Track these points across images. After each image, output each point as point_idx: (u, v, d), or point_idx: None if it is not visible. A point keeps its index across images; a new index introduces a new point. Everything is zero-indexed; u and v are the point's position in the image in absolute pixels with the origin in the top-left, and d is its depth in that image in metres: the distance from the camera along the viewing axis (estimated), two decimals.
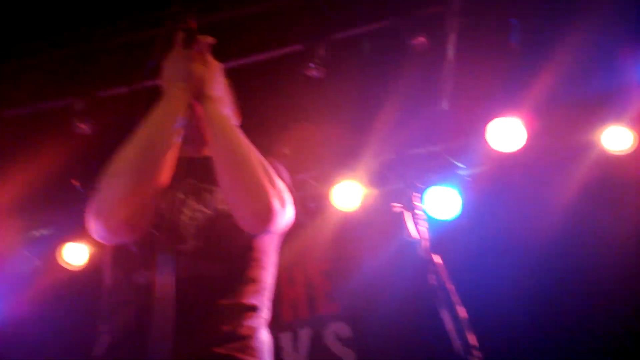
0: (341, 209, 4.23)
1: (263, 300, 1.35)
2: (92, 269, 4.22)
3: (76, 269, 4.28)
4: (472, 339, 1.55)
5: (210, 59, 1.39)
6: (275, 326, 4.89)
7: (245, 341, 1.24)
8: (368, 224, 4.45)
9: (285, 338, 4.53)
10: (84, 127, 3.31)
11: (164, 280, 1.15)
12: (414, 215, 2.07)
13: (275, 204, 1.23)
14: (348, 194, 4.16)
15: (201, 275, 1.23)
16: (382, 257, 4.43)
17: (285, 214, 1.30)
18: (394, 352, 4.15)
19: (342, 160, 4.20)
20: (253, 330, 1.28)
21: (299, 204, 4.32)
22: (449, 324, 1.63)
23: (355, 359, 4.35)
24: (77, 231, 4.07)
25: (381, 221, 4.42)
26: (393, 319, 4.22)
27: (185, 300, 1.15)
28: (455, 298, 1.66)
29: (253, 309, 1.30)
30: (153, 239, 1.22)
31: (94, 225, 1.21)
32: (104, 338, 1.24)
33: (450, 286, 1.72)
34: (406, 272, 4.16)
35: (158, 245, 1.20)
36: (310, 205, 4.41)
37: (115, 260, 1.30)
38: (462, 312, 1.62)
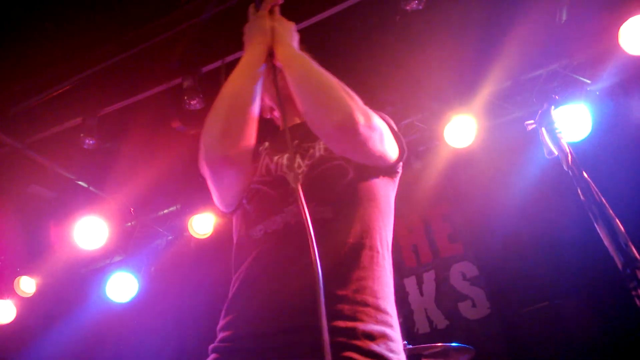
0: (455, 146, 4.01)
1: (380, 241, 1.32)
2: (216, 236, 4.44)
3: (203, 238, 4.51)
4: (635, 253, 1.36)
5: (280, 17, 1.48)
6: (398, 273, 4.90)
7: (364, 282, 1.23)
8: (484, 160, 4.22)
9: (410, 283, 4.54)
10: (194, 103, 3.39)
11: (279, 229, 1.26)
12: (550, 131, 1.83)
13: (358, 116, 1.22)
14: (461, 130, 3.93)
15: (314, 220, 1.21)
16: (502, 191, 4.21)
17: (373, 130, 1.26)
18: (529, 282, 3.99)
19: (450, 97, 3.95)
20: (371, 271, 1.26)
21: (410, 149, 4.19)
22: (606, 240, 1.44)
23: (485, 296, 4.26)
24: (202, 205, 4.26)
25: (498, 154, 4.18)
26: (522, 248, 4.05)
27: (291, 243, 1.23)
28: (611, 212, 1.45)
29: (370, 248, 1.27)
30: (265, 197, 1.33)
31: (202, 166, 1.33)
32: (234, 286, 1.33)
33: (604, 200, 1.50)
34: (535, 196, 3.96)
35: (270, 202, 1.31)
36: (420, 149, 4.24)
37: (238, 220, 1.41)
38: (619, 226, 1.43)
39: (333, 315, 1.14)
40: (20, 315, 4.57)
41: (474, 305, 4.29)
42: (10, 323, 4.54)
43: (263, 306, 1.19)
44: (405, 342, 3.11)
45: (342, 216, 1.27)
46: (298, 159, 1.38)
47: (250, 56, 1.38)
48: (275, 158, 1.41)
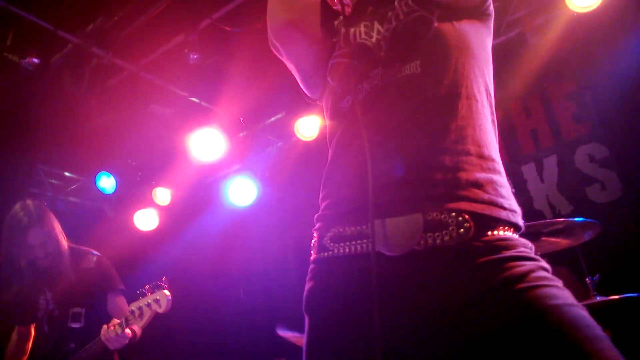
0: (577, 9, 3.49)
1: (479, 89, 1.22)
2: (323, 138, 4.48)
3: (310, 140, 4.60)
4: None
5: None
6: (514, 160, 4.64)
7: (464, 131, 1.15)
8: (611, 24, 3.67)
9: (529, 170, 4.28)
10: None
11: (367, 96, 1.23)
12: None
13: None
14: None
15: (402, 78, 1.20)
16: (637, 57, 3.67)
17: None
18: None
19: None
20: (471, 119, 1.17)
21: (525, 24, 3.75)
22: None
23: (617, 178, 3.90)
24: (306, 109, 4.30)
25: (628, 16, 3.60)
26: None
27: (382, 105, 1.20)
28: None
29: (467, 97, 1.19)
30: (347, 68, 1.29)
31: (271, 40, 1.36)
32: (328, 160, 1.33)
33: None
34: None
35: (353, 71, 1.27)
36: (537, 21, 3.77)
37: (326, 101, 1.39)
38: None
39: (432, 167, 1.11)
40: (161, 222, 5.16)
41: (603, 188, 3.96)
42: (154, 229, 5.16)
43: (355, 171, 1.18)
44: (522, 220, 2.94)
45: (433, 68, 1.19)
46: (377, 25, 1.30)
47: None
48: (352, 29, 1.35)
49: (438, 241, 1.06)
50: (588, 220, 2.88)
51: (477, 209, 1.07)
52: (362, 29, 1.32)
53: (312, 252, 1.26)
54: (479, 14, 1.28)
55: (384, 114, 1.19)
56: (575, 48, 3.88)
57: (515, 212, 1.13)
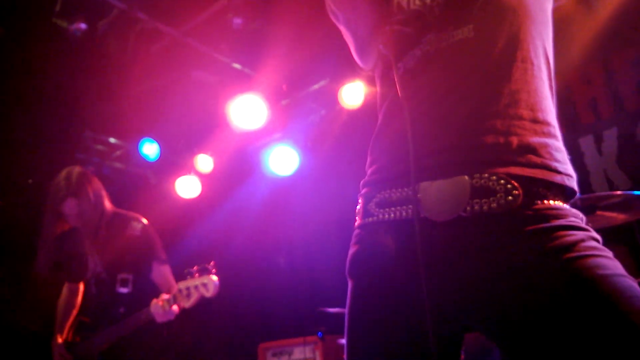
0: None
1: (535, 52, 1.17)
2: (368, 105, 4.37)
3: (355, 108, 4.48)
4: None
5: None
6: (573, 131, 4.41)
7: (517, 95, 1.11)
8: None
9: (587, 142, 4.04)
10: None
11: (419, 62, 1.20)
12: None
13: None
14: None
15: (454, 43, 1.17)
16: None
17: None
18: None
19: None
20: (526, 83, 1.13)
21: None
22: None
23: None
24: (350, 75, 4.18)
25: None
26: None
27: (435, 72, 1.17)
28: None
29: (522, 60, 1.15)
30: (400, 35, 1.26)
31: (327, 2, 1.31)
32: (377, 126, 1.32)
33: None
34: None
35: (406, 38, 1.24)
36: None
37: (379, 71, 1.36)
38: None
39: (482, 131, 1.08)
40: (203, 190, 5.19)
41: None
42: (196, 197, 5.19)
43: (401, 137, 1.15)
44: (579, 193, 2.78)
45: (486, 32, 1.16)
46: None
47: None
48: None
49: (485, 207, 1.04)
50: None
51: (528, 173, 1.04)
52: None
53: (357, 217, 1.25)
54: None
55: (436, 79, 1.17)
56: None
57: (570, 176, 1.10)
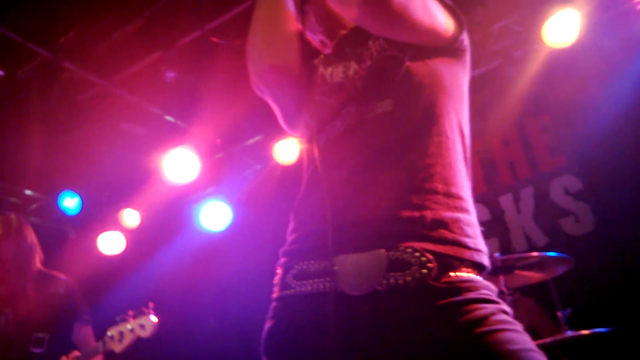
0: (554, 45, 3.59)
1: (451, 126, 1.23)
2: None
3: (289, 164, 4.51)
4: None
5: None
6: (493, 190, 4.67)
7: (432, 169, 1.16)
8: (588, 61, 3.78)
9: (506, 200, 4.31)
10: None
11: (339, 134, 1.24)
12: None
13: None
14: (562, 28, 3.48)
15: (374, 116, 1.21)
16: (611, 95, 3.78)
17: (412, 11, 1.16)
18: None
19: None
20: (440, 157, 1.19)
21: (505, 55, 3.82)
22: None
23: (591, 211, 3.96)
24: (285, 131, 4.22)
25: (604, 52, 3.72)
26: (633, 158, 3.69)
27: (353, 143, 1.21)
28: None
29: (438, 134, 1.20)
30: (323, 105, 1.31)
31: (254, 83, 1.36)
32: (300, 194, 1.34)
33: None
34: None
35: (328, 108, 1.29)
36: (516, 54, 3.85)
37: (305, 137, 1.40)
38: None
39: (399, 205, 1.11)
40: (127, 246, 4.92)
41: (577, 221, 4.02)
42: (120, 254, 4.91)
43: (320, 208, 1.18)
44: (498, 253, 2.96)
45: (403, 107, 1.21)
46: (353, 65, 1.33)
47: None
48: (330, 68, 1.38)
49: (400, 281, 1.05)
50: (561, 255, 2.92)
51: (440, 249, 1.07)
52: (340, 68, 1.35)
53: (274, 289, 1.24)
54: (451, 52, 1.28)
55: (356, 152, 1.20)
56: (552, 82, 3.97)
57: (480, 251, 1.13)
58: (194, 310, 5.20)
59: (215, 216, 4.80)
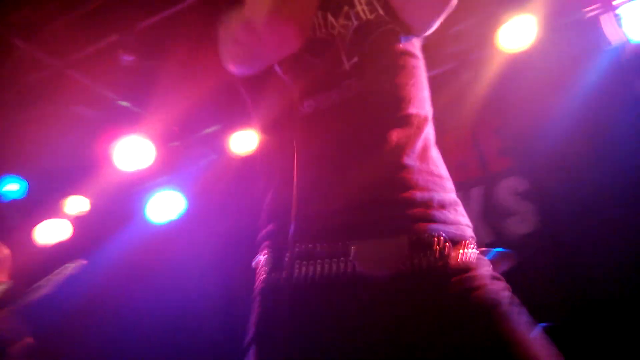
0: (508, 51, 3.75)
1: (429, 110, 1.27)
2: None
3: (246, 156, 4.49)
4: None
5: None
6: None
7: (429, 152, 1.20)
8: (538, 68, 3.97)
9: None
10: None
11: (335, 105, 1.15)
12: (614, 17, 1.64)
13: None
14: (516, 34, 3.65)
15: (374, 91, 1.18)
16: (557, 100, 3.98)
17: None
18: (583, 196, 3.85)
19: None
20: (433, 142, 1.24)
21: (459, 58, 3.95)
22: None
23: (535, 211, 4.15)
24: (243, 122, 4.21)
25: (554, 61, 3.91)
26: (577, 161, 3.89)
27: (353, 118, 1.15)
28: None
29: (425, 119, 1.23)
30: (309, 66, 1.19)
31: (248, 32, 1.14)
32: (278, 176, 1.25)
33: None
34: (592, 107, 3.75)
35: (318, 72, 1.18)
36: (470, 58, 3.99)
37: (267, 92, 1.24)
38: None
39: (409, 186, 1.12)
40: (75, 234, 4.74)
41: (522, 220, 4.20)
42: (67, 240, 4.72)
43: (330, 187, 1.13)
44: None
45: (401, 84, 1.21)
46: (330, 18, 1.23)
47: None
48: (317, 17, 1.24)
49: (424, 262, 1.08)
50: (503, 250, 3.01)
51: (450, 229, 1.12)
52: (320, 18, 1.22)
53: (263, 270, 1.15)
54: (418, 40, 1.34)
55: (358, 130, 1.16)
56: (505, 85, 4.14)
57: (472, 228, 1.21)
58: (141, 299, 5.05)
59: (167, 205, 4.70)
